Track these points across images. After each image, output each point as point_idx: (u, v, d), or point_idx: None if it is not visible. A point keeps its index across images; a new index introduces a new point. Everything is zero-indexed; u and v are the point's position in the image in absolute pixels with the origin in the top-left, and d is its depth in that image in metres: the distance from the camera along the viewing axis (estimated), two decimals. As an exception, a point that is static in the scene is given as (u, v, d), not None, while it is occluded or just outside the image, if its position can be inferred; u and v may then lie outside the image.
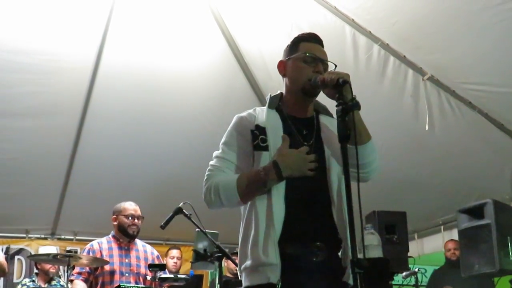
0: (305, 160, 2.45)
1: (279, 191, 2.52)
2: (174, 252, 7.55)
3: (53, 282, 6.98)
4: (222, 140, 2.75)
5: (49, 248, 7.21)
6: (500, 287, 5.64)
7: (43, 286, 6.78)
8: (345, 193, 2.28)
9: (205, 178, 2.66)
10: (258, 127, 2.66)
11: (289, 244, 2.49)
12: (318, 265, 2.51)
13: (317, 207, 2.58)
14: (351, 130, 2.35)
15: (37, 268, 7.05)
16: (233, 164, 2.65)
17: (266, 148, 2.59)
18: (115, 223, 5.40)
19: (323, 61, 2.72)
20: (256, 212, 2.54)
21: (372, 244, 2.20)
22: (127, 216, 5.36)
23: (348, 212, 2.26)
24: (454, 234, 6.68)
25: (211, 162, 2.69)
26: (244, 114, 2.79)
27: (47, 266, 6.86)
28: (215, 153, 2.72)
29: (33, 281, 7.01)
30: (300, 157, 2.46)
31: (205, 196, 2.63)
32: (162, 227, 4.83)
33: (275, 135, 2.58)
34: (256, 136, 2.63)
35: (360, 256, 2.21)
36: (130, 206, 5.45)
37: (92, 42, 6.40)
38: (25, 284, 7.01)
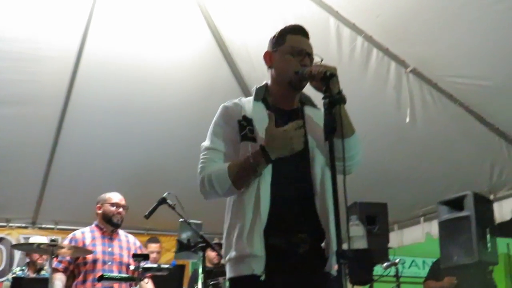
0: (291, 138, 2.48)
1: (266, 182, 2.54)
2: (153, 247, 7.52)
3: (42, 272, 6.99)
4: (210, 130, 2.76)
5: (40, 238, 7.16)
6: (497, 274, 5.72)
7: (31, 275, 6.79)
8: (331, 185, 2.31)
9: (198, 171, 2.67)
10: (245, 118, 2.68)
11: (273, 236, 2.51)
12: (301, 257, 2.54)
13: (301, 198, 2.61)
14: (337, 123, 2.38)
15: (29, 258, 7.06)
16: (223, 154, 2.67)
17: (253, 139, 2.61)
18: (100, 211, 5.45)
19: (310, 55, 2.74)
20: (243, 203, 2.56)
21: (357, 235, 2.23)
22: (112, 205, 5.43)
23: (334, 204, 2.28)
24: (434, 226, 6.73)
25: (202, 154, 2.70)
26: (229, 103, 2.80)
27: (35, 257, 6.86)
28: (204, 144, 2.73)
29: (23, 270, 7.03)
30: (286, 136, 2.48)
31: (201, 189, 2.65)
32: (146, 217, 4.85)
33: (262, 128, 2.60)
34: (244, 126, 2.65)
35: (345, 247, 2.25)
36: (116, 196, 5.53)
37: (75, 30, 6.34)
38: (15, 273, 7.05)
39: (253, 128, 2.64)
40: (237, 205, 2.61)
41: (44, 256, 6.95)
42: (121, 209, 5.44)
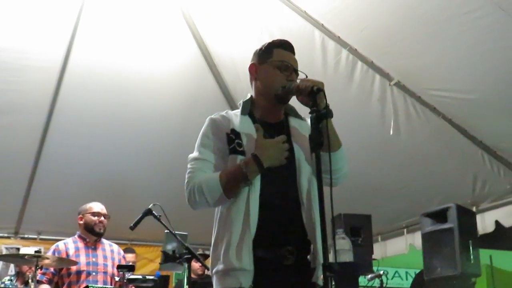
0: (282, 149, 2.52)
1: (255, 193, 2.56)
2: (129, 257, 7.39)
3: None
4: (198, 142, 2.76)
5: (29, 249, 7.09)
6: (479, 286, 5.75)
7: (19, 286, 6.72)
8: (318, 198, 2.33)
9: (186, 180, 2.66)
10: (233, 131, 2.69)
11: (261, 248, 2.52)
12: (288, 269, 2.55)
13: (288, 210, 2.62)
14: (324, 137, 2.40)
15: (18, 269, 6.99)
16: (212, 164, 2.67)
17: (242, 153, 2.62)
18: (81, 222, 5.44)
19: (296, 71, 2.77)
20: (231, 215, 2.57)
21: (343, 249, 2.25)
22: (93, 214, 5.42)
23: (320, 217, 2.30)
24: (417, 237, 6.78)
25: (190, 164, 2.70)
26: (216, 116, 2.81)
27: (25, 268, 6.79)
28: (192, 155, 2.73)
29: (11, 280, 6.96)
30: (277, 146, 2.52)
31: (189, 198, 2.63)
32: (132, 228, 4.84)
33: (250, 142, 2.62)
34: (232, 140, 2.66)
35: (331, 260, 2.27)
36: (96, 205, 5.52)
37: (60, 40, 6.36)
38: (3, 282, 6.98)
39: (241, 142, 2.65)
40: (225, 217, 2.61)
41: (33, 268, 6.91)
42: (102, 218, 5.44)
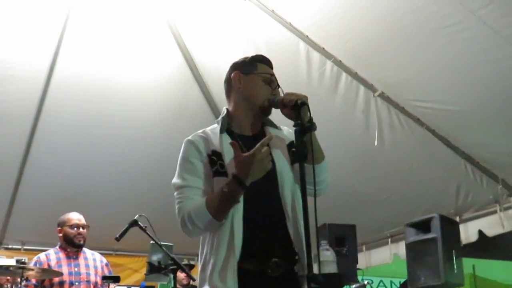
0: (261, 160, 2.45)
1: (238, 212, 2.54)
2: None
3: None
4: (180, 167, 2.71)
5: (8, 261, 7.03)
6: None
7: None
8: (302, 210, 2.35)
9: (176, 211, 2.62)
10: (214, 152, 2.67)
11: (247, 262, 2.51)
12: (275, 280, 2.55)
13: (273, 224, 2.61)
14: (308, 150, 2.43)
15: None
16: (199, 190, 2.63)
17: (225, 174, 2.59)
18: (60, 234, 5.42)
19: (279, 87, 2.79)
20: (217, 238, 2.55)
21: (328, 260, 2.28)
22: (71, 227, 5.38)
23: (305, 228, 2.31)
24: (401, 247, 6.81)
25: (176, 193, 2.66)
26: (194, 138, 2.76)
27: (2, 280, 6.73)
28: (177, 183, 2.68)
29: None
30: (255, 159, 2.44)
31: (183, 228, 2.59)
32: (117, 239, 4.83)
33: (231, 161, 2.57)
34: (214, 161, 2.64)
35: (315, 271, 2.29)
36: (74, 216, 5.47)
37: (46, 51, 6.35)
38: None
39: (224, 163, 2.63)
40: (211, 240, 2.59)
41: (11, 278, 6.85)
42: (81, 229, 5.40)
